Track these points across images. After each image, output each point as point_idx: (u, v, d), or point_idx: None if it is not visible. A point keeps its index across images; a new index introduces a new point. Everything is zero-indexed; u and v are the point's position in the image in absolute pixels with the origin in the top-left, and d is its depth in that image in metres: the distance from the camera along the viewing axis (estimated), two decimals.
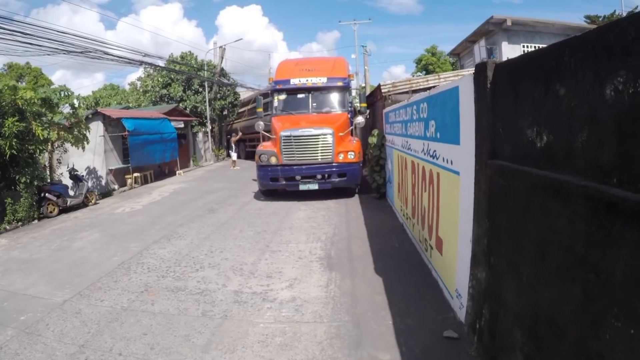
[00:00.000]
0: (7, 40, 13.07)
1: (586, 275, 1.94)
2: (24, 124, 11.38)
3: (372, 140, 11.38)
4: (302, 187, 11.63)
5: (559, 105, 2.19)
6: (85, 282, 6.25)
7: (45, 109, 12.57)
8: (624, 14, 26.28)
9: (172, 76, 29.78)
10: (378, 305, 4.73)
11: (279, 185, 11.95)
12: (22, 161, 11.86)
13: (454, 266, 4.33)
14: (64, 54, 14.96)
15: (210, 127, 30.03)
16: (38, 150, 12.57)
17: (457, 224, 4.22)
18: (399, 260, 6.23)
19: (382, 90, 13.26)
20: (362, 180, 12.48)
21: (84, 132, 14.01)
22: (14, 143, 11.14)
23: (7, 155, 11.22)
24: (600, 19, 28.89)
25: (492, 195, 3.21)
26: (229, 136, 31.80)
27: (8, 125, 10.95)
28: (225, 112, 32.60)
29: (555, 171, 2.23)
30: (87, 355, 4.02)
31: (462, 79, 3.86)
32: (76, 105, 13.97)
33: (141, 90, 32.05)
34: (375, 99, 16.03)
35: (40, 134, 11.79)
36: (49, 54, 14.59)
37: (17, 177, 11.87)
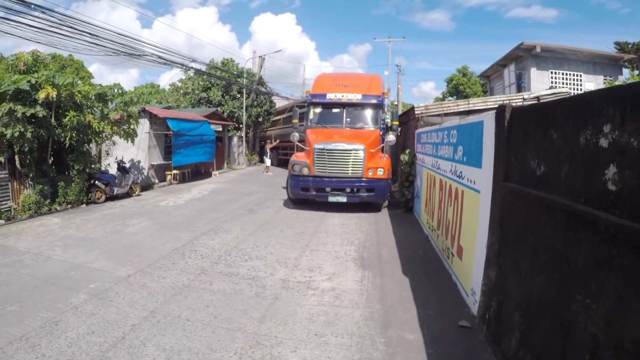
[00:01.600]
0: (73, 39, 14.31)
1: (562, 265, 2.79)
2: (82, 117, 12.55)
3: (404, 157, 12.17)
4: (331, 198, 12.03)
5: (552, 145, 3.07)
6: (144, 261, 7.21)
7: (101, 103, 13.79)
8: None
9: (213, 81, 31.11)
10: (404, 298, 5.59)
11: (309, 195, 12.35)
12: (77, 150, 13.05)
13: (471, 269, 5.17)
14: (124, 55, 16.20)
15: (245, 133, 31.19)
16: (93, 141, 13.80)
17: (475, 233, 5.07)
18: (423, 265, 7.06)
19: (416, 112, 14.03)
20: (391, 196, 13.14)
21: (134, 128, 15.18)
22: (74, 134, 12.35)
23: (67, 145, 12.41)
24: (629, 46, 29.30)
25: (503, 210, 4.08)
26: (262, 142, 32.99)
27: (69, 117, 12.12)
28: (260, 119, 33.82)
29: (546, 192, 3.11)
30: (158, 319, 4.91)
31: (487, 116, 4.75)
32: (129, 102, 15.10)
33: (181, 91, 33.51)
34: (408, 118, 16.80)
35: (96, 127, 13.03)
36: (110, 55, 15.85)
37: (71, 163, 13.07)
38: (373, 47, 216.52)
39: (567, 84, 22.19)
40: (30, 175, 11.82)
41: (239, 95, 31.56)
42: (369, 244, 8.55)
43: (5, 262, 7.17)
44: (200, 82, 31.59)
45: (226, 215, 11.43)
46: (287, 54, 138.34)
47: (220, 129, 25.43)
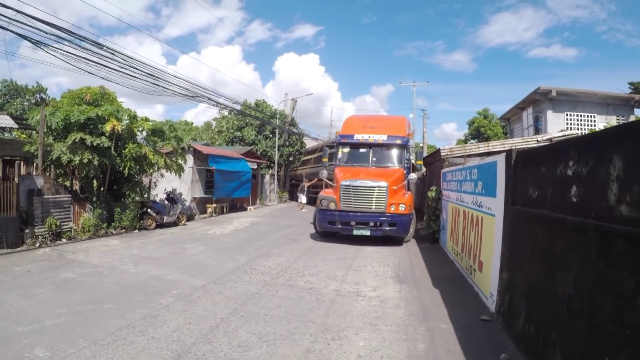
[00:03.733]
0: (135, 78, 16.06)
1: (548, 255, 4.20)
2: (140, 149, 14.04)
3: (431, 194, 13.57)
4: (356, 232, 12.85)
5: (541, 177, 4.53)
6: (213, 276, 8.55)
7: (155, 137, 15.35)
8: None
9: (247, 120, 33.11)
10: (436, 303, 6.94)
11: (335, 228, 13.19)
12: (132, 179, 14.65)
13: (489, 277, 6.53)
14: (181, 96, 18.10)
15: (276, 171, 32.94)
16: (148, 172, 15.38)
17: (492, 249, 6.46)
18: (450, 281, 8.40)
19: (441, 154, 15.53)
20: (416, 232, 14.27)
21: (180, 162, 16.61)
22: (132, 164, 13.90)
23: (126, 174, 13.98)
24: None
25: (511, 226, 5.51)
26: (293, 180, 34.67)
27: (129, 149, 13.65)
28: (291, 159, 35.59)
29: (538, 209, 4.55)
30: (241, 314, 6.26)
31: (499, 157, 6.24)
32: (181, 138, 16.70)
33: (216, 130, 35.58)
34: (434, 159, 18.27)
35: (151, 158, 14.44)
36: (170, 96, 17.74)
37: (127, 191, 14.64)
38: (396, 88, 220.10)
39: (581, 124, 23.41)
40: (93, 199, 13.37)
41: (271, 135, 33.52)
42: (403, 266, 9.91)
43: (84, 272, 8.49)
44: (235, 122, 33.67)
45: (272, 243, 12.91)
46: (310, 93, 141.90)
47: (255, 167, 27.19)
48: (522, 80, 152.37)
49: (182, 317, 6.03)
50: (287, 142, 34.60)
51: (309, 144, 37.92)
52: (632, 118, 23.64)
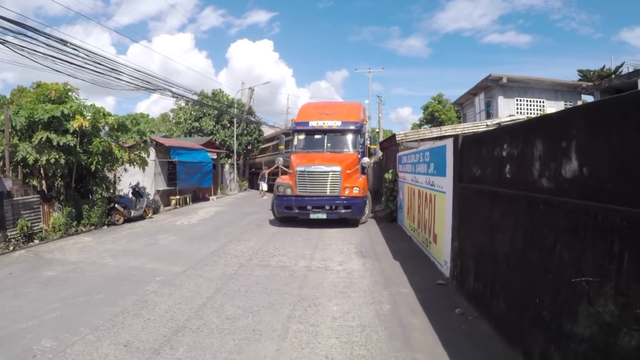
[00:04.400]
0: (100, 73, 16.21)
1: (489, 223, 5.05)
2: (106, 144, 14.10)
3: (388, 176, 14.47)
4: (312, 215, 13.36)
5: (482, 158, 5.38)
6: (190, 262, 9.06)
7: (119, 132, 15.23)
8: (613, 68, 29.81)
9: (205, 110, 33.21)
10: (397, 272, 7.81)
11: (292, 213, 13.67)
12: (98, 175, 14.76)
13: (443, 247, 7.42)
14: (143, 90, 18.27)
15: (236, 160, 33.27)
16: (114, 167, 15.47)
17: (444, 222, 7.35)
18: (409, 254, 9.29)
19: (397, 138, 16.46)
20: (374, 214, 15.09)
21: (144, 156, 16.62)
22: (100, 159, 13.96)
23: (93, 170, 14.05)
24: (591, 73, 32.36)
25: (459, 200, 6.39)
26: (252, 169, 35.11)
27: (96, 144, 13.68)
28: (250, 147, 35.94)
29: (480, 185, 5.40)
30: (224, 292, 6.88)
31: (448, 141, 7.11)
32: (144, 131, 16.80)
33: (173, 121, 35.51)
34: (390, 144, 19.19)
35: (117, 153, 14.53)
36: (133, 90, 17.89)
37: (94, 188, 14.72)
38: (351, 74, 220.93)
39: (531, 110, 24.80)
40: (61, 198, 13.37)
41: (229, 125, 33.75)
42: (365, 244, 10.76)
43: (66, 269, 8.70)
44: (192, 112, 33.71)
45: (240, 229, 13.51)
46: (264, 80, 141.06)
47: (215, 157, 27.49)
48: (477, 66, 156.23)
49: (171, 299, 6.55)
50: (245, 131, 34.93)
51: (267, 132, 38.37)
52: (579, 103, 25.15)
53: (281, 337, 4.96)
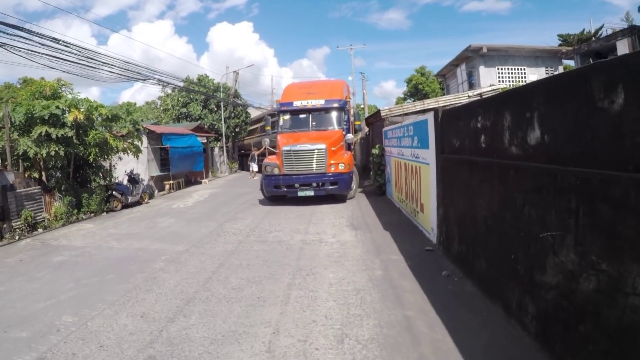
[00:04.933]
0: (93, 68, 16.49)
1: (468, 189, 5.54)
2: (101, 135, 14.50)
3: (375, 151, 14.92)
4: (300, 193, 13.67)
5: (460, 129, 5.84)
6: (192, 241, 9.50)
7: (112, 122, 15.68)
8: (592, 31, 30.26)
9: (192, 96, 33.37)
10: (387, 242, 8.31)
11: (281, 192, 14.00)
12: (95, 165, 15.15)
13: (429, 216, 7.92)
14: (127, 79, 18.56)
15: (224, 143, 33.55)
16: (109, 156, 15.87)
17: (429, 192, 7.84)
18: (398, 225, 9.80)
19: (382, 114, 16.87)
20: (362, 188, 15.55)
21: (137, 144, 17.12)
22: (97, 150, 14.42)
23: (91, 160, 14.52)
24: (571, 37, 32.81)
25: (442, 170, 6.88)
26: (242, 151, 35.43)
27: (92, 135, 14.10)
28: (238, 129, 36.21)
29: (459, 155, 5.88)
30: (227, 266, 7.35)
31: (429, 115, 7.55)
32: (137, 120, 17.17)
33: (161, 108, 35.62)
34: (375, 119, 19.60)
35: (112, 143, 14.95)
36: (123, 81, 18.19)
37: (92, 177, 15.13)
38: (332, 51, 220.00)
39: (512, 77, 25.27)
40: (62, 188, 13.82)
41: (216, 109, 33.97)
42: (356, 217, 11.25)
43: (74, 254, 9.15)
44: (179, 99, 33.85)
45: (235, 209, 13.95)
46: (246, 62, 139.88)
47: (205, 141, 27.81)
48: (458, 36, 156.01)
49: (178, 275, 7.01)
50: (232, 114, 35.17)
51: (253, 113, 38.60)
52: (560, 69, 25.62)
53: (284, 302, 5.44)
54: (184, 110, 33.75)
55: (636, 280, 2.58)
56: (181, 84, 29.94)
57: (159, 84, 24.88)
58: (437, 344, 4.11)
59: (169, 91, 34.52)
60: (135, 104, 50.67)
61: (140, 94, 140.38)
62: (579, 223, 3.14)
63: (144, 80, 19.67)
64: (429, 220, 8.04)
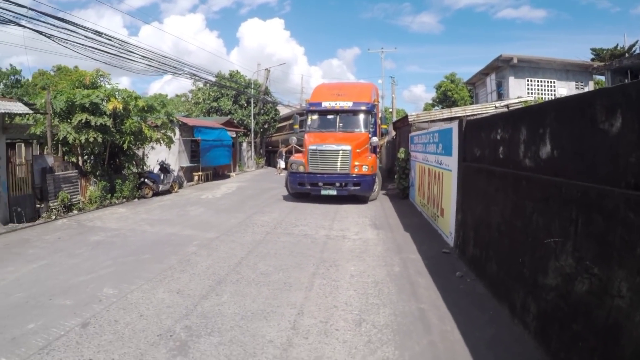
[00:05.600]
0: (132, 61, 17.34)
1: (486, 196, 5.95)
2: (137, 124, 15.23)
3: (401, 155, 15.29)
4: (323, 192, 14.03)
5: (482, 139, 6.25)
6: (222, 230, 10.07)
7: (147, 113, 16.41)
8: (626, 47, 29.90)
9: (223, 91, 34.15)
10: (407, 242, 8.74)
11: (304, 189, 14.41)
12: (129, 153, 15.86)
13: (449, 220, 8.32)
14: (163, 72, 19.38)
15: (253, 139, 34.26)
16: (143, 145, 16.60)
17: (450, 197, 8.24)
18: (418, 227, 10.21)
19: (409, 119, 17.27)
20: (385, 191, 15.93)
21: (170, 135, 17.88)
22: (131, 139, 15.13)
23: (125, 148, 15.23)
24: (604, 52, 32.44)
25: (463, 177, 7.28)
26: (269, 147, 36.09)
27: (128, 124, 14.82)
28: (266, 126, 36.89)
29: (479, 164, 6.29)
30: (256, 254, 7.88)
31: (454, 124, 7.96)
32: (171, 112, 17.89)
33: (192, 101, 36.52)
34: (402, 124, 20.00)
35: (147, 133, 15.71)
36: (160, 74, 19.11)
37: (126, 164, 15.82)
38: (362, 52, 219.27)
39: (542, 90, 25.03)
40: (97, 173, 14.53)
41: (246, 105, 34.70)
42: (378, 217, 11.70)
43: (109, 235, 9.75)
44: (210, 93, 34.68)
45: (262, 203, 14.54)
46: (276, 58, 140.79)
47: (234, 135, 28.51)
48: (490, 43, 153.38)
49: (210, 259, 7.58)
50: (262, 111, 35.90)
51: (283, 111, 39.38)
52: (590, 84, 25.23)
53: (308, 288, 5.95)
54: (214, 104, 34.61)
55: (621, 284, 2.96)
56: (213, 79, 30.66)
57: (192, 78, 25.59)
58: (445, 334, 4.53)
59: (201, 85, 35.34)
60: (166, 96, 52.23)
61: (170, 86, 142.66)
62: (578, 231, 3.53)
63: (179, 74, 20.43)
64: (448, 224, 8.44)
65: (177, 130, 20.69)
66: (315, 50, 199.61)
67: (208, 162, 23.10)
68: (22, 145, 13.15)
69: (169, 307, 5.31)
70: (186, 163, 22.21)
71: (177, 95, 47.58)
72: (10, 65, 43.08)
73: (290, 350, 4.18)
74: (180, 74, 20.83)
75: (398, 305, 5.35)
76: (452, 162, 8.18)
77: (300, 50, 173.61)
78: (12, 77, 42.01)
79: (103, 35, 15.11)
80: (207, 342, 4.33)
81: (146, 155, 18.71)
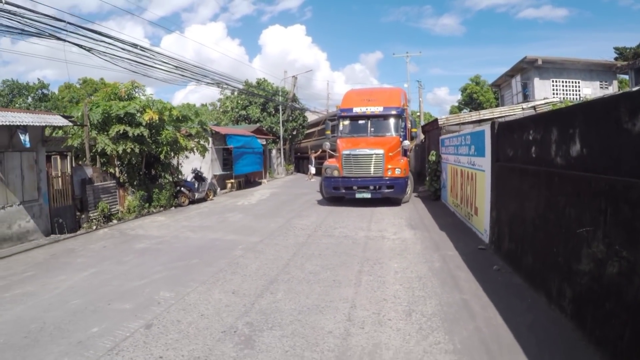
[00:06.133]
0: (168, 72, 18.11)
1: (520, 194, 6.38)
2: (173, 134, 15.68)
3: (431, 158, 15.71)
4: (358, 195, 14.48)
5: (514, 140, 6.70)
6: (263, 235, 10.52)
7: (181, 123, 16.85)
8: None
9: (251, 99, 34.95)
10: (444, 240, 9.19)
11: (339, 193, 14.88)
12: (165, 162, 16.47)
13: (483, 218, 8.74)
14: (202, 83, 20.19)
15: (282, 145, 34.95)
16: (178, 154, 17.14)
17: (484, 196, 8.66)
18: (453, 226, 10.63)
19: (439, 123, 17.67)
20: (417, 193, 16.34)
21: (204, 144, 18.39)
22: (168, 149, 15.62)
23: (162, 157, 15.76)
24: (627, 50, 32.24)
25: (496, 177, 7.71)
26: (298, 153, 36.74)
27: (165, 135, 15.28)
28: (295, 133, 37.57)
29: (512, 163, 6.73)
30: (301, 255, 8.37)
31: (486, 126, 8.39)
32: (205, 122, 18.50)
33: (220, 110, 37.42)
34: (432, 127, 20.38)
35: (182, 142, 16.23)
36: (194, 84, 19.88)
37: (162, 173, 16.36)
38: (386, 56, 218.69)
39: (567, 90, 25.13)
40: (135, 183, 15.04)
41: (274, 112, 35.46)
42: (414, 218, 12.14)
43: (154, 242, 9.91)
44: (239, 101, 35.54)
45: (298, 208, 15.10)
46: (298, 64, 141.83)
47: (264, 142, 29.19)
48: (512, 43, 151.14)
49: (258, 261, 8.05)
50: (290, 118, 36.60)
51: (310, 117, 40.01)
52: (614, 83, 25.27)
53: (356, 285, 6.44)
54: (243, 112, 35.44)
55: None
56: (241, 87, 31.45)
57: (219, 87, 26.33)
58: (489, 320, 4.97)
59: (229, 93, 36.18)
60: (194, 105, 53.33)
61: (194, 95, 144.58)
62: (607, 220, 3.95)
63: (211, 83, 21.19)
64: (482, 222, 8.85)
65: (210, 139, 21.30)
66: (338, 55, 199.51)
67: (240, 170, 23.74)
68: (58, 157, 13.62)
69: (227, 306, 5.72)
70: (219, 171, 22.85)
71: (202, 105, 48.54)
72: (38, 79, 44.66)
73: (349, 339, 4.62)
74: (212, 83, 21.54)
75: (442, 296, 5.80)
76: (485, 162, 8.60)
77: (323, 56, 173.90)
78: (39, 91, 43.52)
79: (139, 47, 15.82)
80: (270, 336, 4.73)
81: (180, 164, 19.37)
